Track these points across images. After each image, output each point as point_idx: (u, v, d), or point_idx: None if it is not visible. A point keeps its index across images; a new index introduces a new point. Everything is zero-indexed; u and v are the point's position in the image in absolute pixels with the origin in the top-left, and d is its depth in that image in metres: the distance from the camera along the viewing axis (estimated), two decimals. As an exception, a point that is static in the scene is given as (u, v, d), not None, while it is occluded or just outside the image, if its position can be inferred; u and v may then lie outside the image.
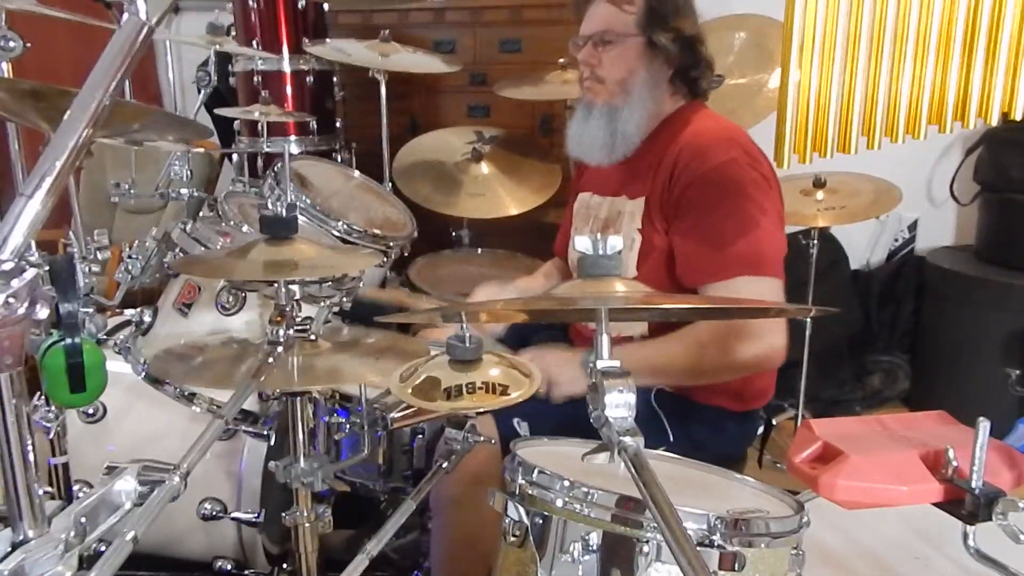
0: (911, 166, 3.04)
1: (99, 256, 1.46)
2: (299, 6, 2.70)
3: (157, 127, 1.41)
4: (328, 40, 2.71)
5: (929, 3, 1.00)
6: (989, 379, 2.63)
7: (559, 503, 0.93)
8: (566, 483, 0.93)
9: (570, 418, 1.19)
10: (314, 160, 2.41)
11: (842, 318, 2.99)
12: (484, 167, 2.68)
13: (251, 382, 1.06)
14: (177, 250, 1.69)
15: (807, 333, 2.47)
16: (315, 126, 2.74)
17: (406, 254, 2.14)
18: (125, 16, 0.74)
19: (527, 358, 1.57)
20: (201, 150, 2.95)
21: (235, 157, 2.89)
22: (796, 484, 0.99)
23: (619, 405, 0.79)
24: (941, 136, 1.09)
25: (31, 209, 0.67)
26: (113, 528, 0.83)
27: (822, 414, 2.83)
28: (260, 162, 2.73)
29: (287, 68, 2.72)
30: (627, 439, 0.77)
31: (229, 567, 1.70)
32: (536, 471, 0.96)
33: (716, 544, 0.87)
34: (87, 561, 0.77)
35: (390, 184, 2.56)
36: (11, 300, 0.63)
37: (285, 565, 1.73)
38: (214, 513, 1.64)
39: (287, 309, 1.13)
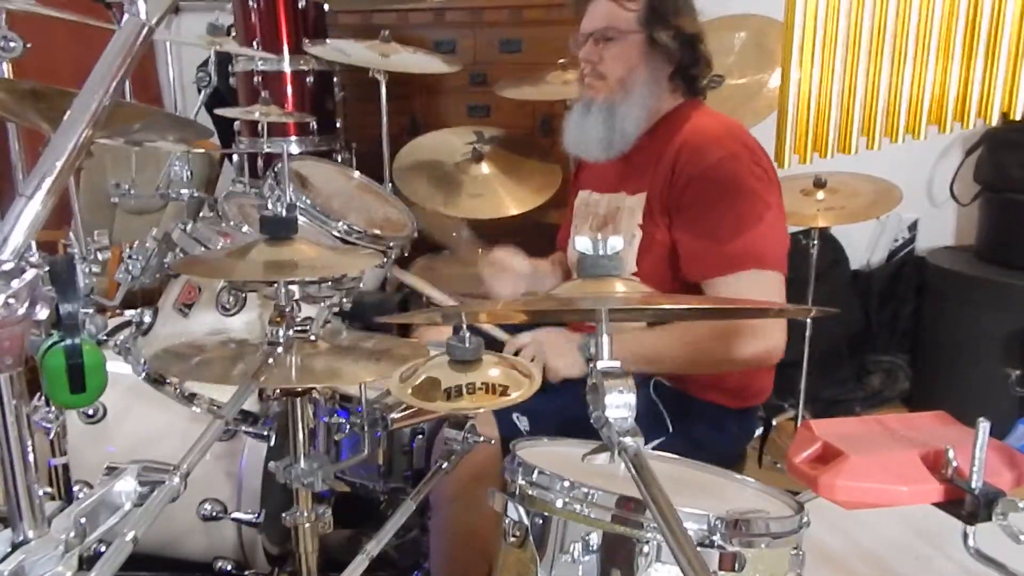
0: (911, 166, 3.03)
1: (99, 256, 1.46)
2: (299, 6, 2.69)
3: (157, 127, 1.41)
4: (328, 40, 2.70)
5: (929, 3, 1.00)
6: (989, 379, 2.63)
7: (559, 503, 0.93)
8: (566, 483, 0.93)
9: (570, 418, 1.19)
10: (314, 160, 2.40)
11: (842, 318, 2.98)
12: (484, 167, 2.67)
13: (251, 382, 1.06)
14: (177, 250, 1.69)
15: (807, 333, 2.47)
16: (315, 126, 2.73)
17: (406, 254, 2.14)
18: (125, 16, 0.73)
19: (525, 339, 1.59)
20: (201, 150, 2.95)
21: (235, 157, 2.89)
22: (796, 484, 0.99)
23: (619, 406, 0.79)
24: (941, 136, 1.09)
25: (31, 209, 0.67)
26: (113, 528, 0.83)
27: (822, 414, 2.83)
28: (260, 162, 2.72)
29: (287, 68, 2.72)
30: (627, 440, 0.77)
31: (229, 568, 1.70)
32: (536, 471, 0.96)
33: (716, 544, 0.87)
34: (87, 562, 0.77)
35: (390, 184, 2.56)
36: (11, 301, 0.63)
37: (285, 565, 1.73)
38: (214, 514, 1.64)
39: (287, 309, 1.13)
